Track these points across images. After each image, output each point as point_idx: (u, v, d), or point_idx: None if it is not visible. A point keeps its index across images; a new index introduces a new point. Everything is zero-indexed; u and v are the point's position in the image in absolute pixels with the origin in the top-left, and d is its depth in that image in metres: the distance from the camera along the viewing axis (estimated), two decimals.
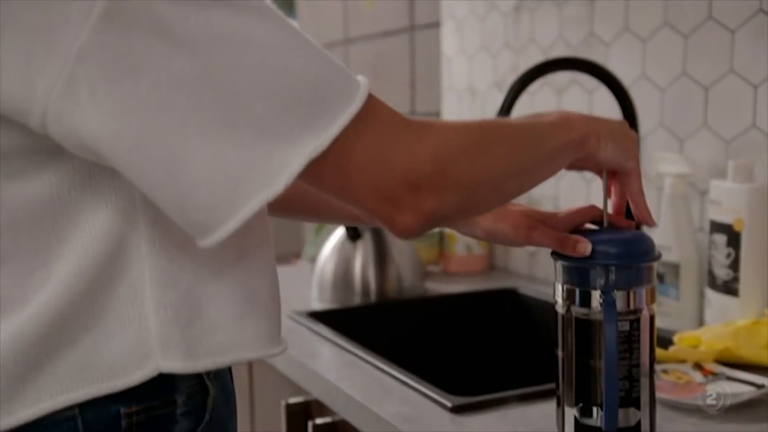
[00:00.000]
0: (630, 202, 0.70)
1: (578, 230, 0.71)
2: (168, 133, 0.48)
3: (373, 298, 1.31)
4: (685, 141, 1.11)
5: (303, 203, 0.76)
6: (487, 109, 1.52)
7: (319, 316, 1.19)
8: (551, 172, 0.65)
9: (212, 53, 0.49)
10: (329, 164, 0.52)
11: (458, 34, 1.59)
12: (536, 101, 1.37)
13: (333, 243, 1.34)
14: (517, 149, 0.62)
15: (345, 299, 1.31)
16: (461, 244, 1.49)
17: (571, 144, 0.64)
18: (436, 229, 1.51)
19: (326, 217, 0.81)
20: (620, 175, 0.69)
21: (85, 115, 0.48)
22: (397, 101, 1.84)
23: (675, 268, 1.06)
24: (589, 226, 0.73)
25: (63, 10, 0.46)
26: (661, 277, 1.07)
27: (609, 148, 0.65)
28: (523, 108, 1.38)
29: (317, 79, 0.51)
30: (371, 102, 0.54)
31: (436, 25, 1.66)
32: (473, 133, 0.59)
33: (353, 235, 1.32)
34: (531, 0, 1.38)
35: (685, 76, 1.10)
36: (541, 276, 1.41)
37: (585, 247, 0.67)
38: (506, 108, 1.13)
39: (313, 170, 0.51)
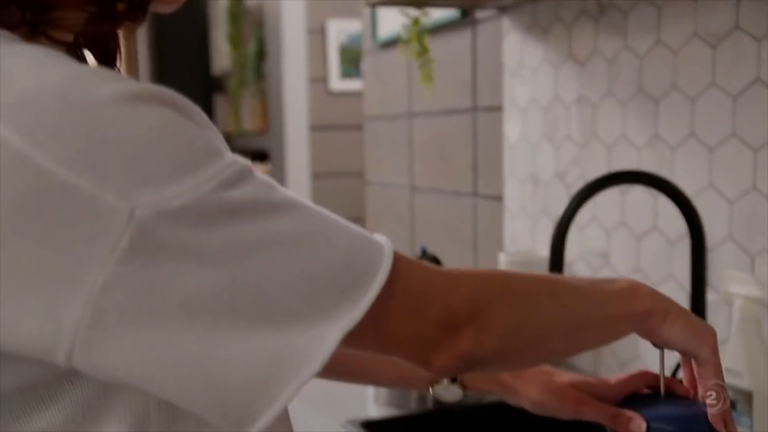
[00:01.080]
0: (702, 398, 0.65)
1: (633, 396, 0.68)
2: (200, 343, 0.48)
3: (430, 400, 1.28)
4: (756, 257, 1.05)
5: (343, 369, 0.74)
6: (550, 200, 1.49)
7: (373, 428, 1.17)
8: (606, 340, 0.62)
9: (239, 263, 0.48)
10: (365, 329, 0.51)
11: (521, 120, 1.56)
12: (599, 201, 1.33)
13: None
14: (564, 307, 0.60)
15: (401, 403, 1.28)
16: None
17: (631, 316, 0.61)
18: None
19: (367, 381, 0.80)
20: (695, 362, 0.65)
21: (113, 341, 0.47)
22: (460, 181, 1.82)
23: (748, 396, 1.00)
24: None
25: (88, 248, 0.46)
26: (733, 405, 1.01)
27: (676, 328, 0.62)
28: (586, 210, 1.34)
29: (344, 258, 0.51)
30: (398, 262, 0.54)
31: (498, 108, 1.64)
32: (513, 282, 0.59)
33: None
34: (593, 94, 1.35)
35: (755, 190, 1.05)
36: (605, 373, 1.36)
37: (639, 426, 0.64)
38: (567, 218, 1.10)
39: (348, 339, 0.50)
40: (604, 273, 1.36)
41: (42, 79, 0.47)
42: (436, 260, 1.35)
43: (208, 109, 4.95)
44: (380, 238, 0.54)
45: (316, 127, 3.38)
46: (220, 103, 4.72)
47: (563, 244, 1.05)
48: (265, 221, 0.49)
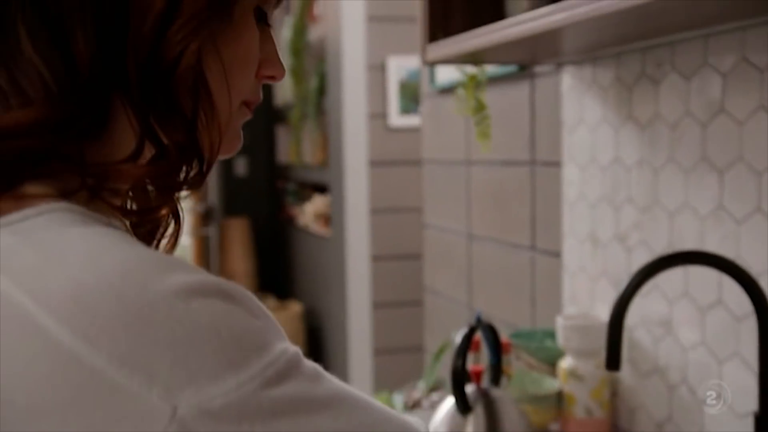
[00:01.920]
0: None
1: None
2: None
3: None
4: None
5: None
6: (610, 261, 1.45)
7: None
8: None
9: None
10: None
11: (579, 178, 1.53)
12: (660, 279, 1.28)
13: (443, 414, 1.30)
14: None
15: None
16: (581, 406, 1.41)
17: None
18: (554, 389, 1.44)
19: None
20: None
21: None
22: (517, 234, 1.79)
23: None
24: None
25: None
26: None
27: None
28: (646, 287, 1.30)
29: None
30: None
31: (556, 164, 1.61)
32: None
33: (464, 408, 1.27)
34: (654, 159, 1.31)
35: None
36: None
37: None
38: (626, 299, 1.06)
39: None
40: (667, 342, 1.31)
41: (97, 272, 0.48)
42: (492, 329, 1.32)
43: (270, 140, 5.01)
44: (420, 425, 0.54)
45: (375, 163, 3.38)
46: (282, 133, 4.78)
47: (621, 328, 1.02)
48: (306, 419, 0.50)
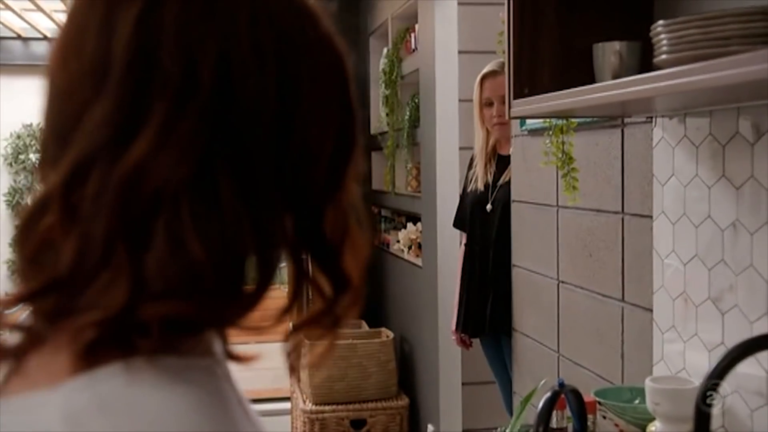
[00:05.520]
0: None
1: None
2: None
3: None
4: None
5: None
6: (703, 323, 1.40)
7: None
8: None
9: None
10: None
11: (671, 234, 1.49)
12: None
13: None
14: None
15: None
16: None
17: None
18: None
19: None
20: None
21: None
22: (607, 284, 1.75)
23: None
24: None
25: None
26: None
27: None
28: None
29: None
30: None
31: (647, 217, 1.57)
32: None
33: None
34: (750, 222, 1.26)
35: None
36: None
37: None
38: (719, 374, 1.03)
39: None
40: (762, 412, 1.25)
41: None
42: (576, 394, 1.29)
43: (366, 166, 5.06)
44: None
45: None
46: (376, 160, 4.82)
47: (709, 414, 0.98)
48: None
